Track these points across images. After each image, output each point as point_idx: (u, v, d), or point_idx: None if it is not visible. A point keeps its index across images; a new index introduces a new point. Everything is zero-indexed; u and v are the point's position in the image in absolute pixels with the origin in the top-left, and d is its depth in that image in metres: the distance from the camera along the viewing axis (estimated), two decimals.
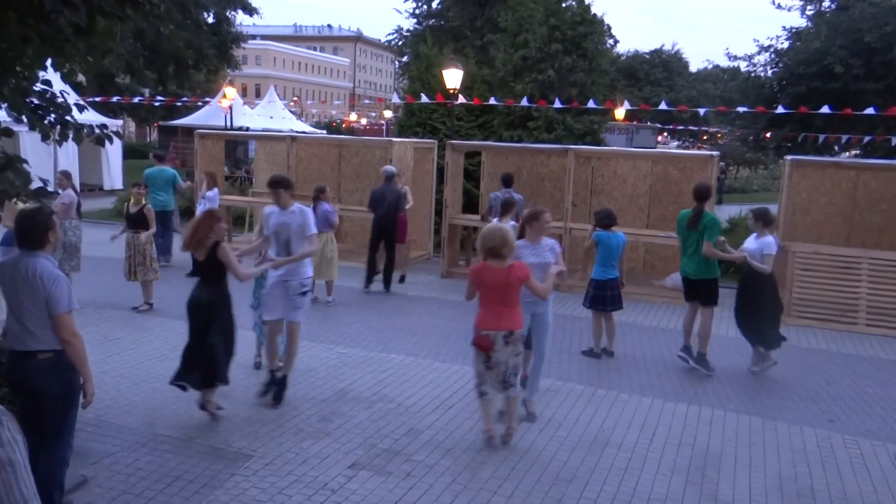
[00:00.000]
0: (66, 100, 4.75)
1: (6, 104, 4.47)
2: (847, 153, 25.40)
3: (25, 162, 4.67)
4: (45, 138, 4.65)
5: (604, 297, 7.85)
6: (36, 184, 4.63)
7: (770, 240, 7.47)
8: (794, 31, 21.65)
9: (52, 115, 4.64)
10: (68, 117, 4.71)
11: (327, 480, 4.87)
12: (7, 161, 4.47)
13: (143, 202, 9.11)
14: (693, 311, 7.76)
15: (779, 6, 21.73)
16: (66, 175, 9.74)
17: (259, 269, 6.22)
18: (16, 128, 5.31)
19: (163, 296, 9.43)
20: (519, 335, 5.38)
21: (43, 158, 16.85)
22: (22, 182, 4.49)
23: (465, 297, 5.61)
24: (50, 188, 5.08)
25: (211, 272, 5.75)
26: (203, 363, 5.64)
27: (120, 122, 25.64)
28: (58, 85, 4.91)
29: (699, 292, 7.63)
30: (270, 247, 6.30)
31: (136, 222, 9.00)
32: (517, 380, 5.50)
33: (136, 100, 28.54)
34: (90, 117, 19.61)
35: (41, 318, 3.93)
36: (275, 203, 6.23)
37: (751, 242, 7.53)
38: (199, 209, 11.15)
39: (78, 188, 10.87)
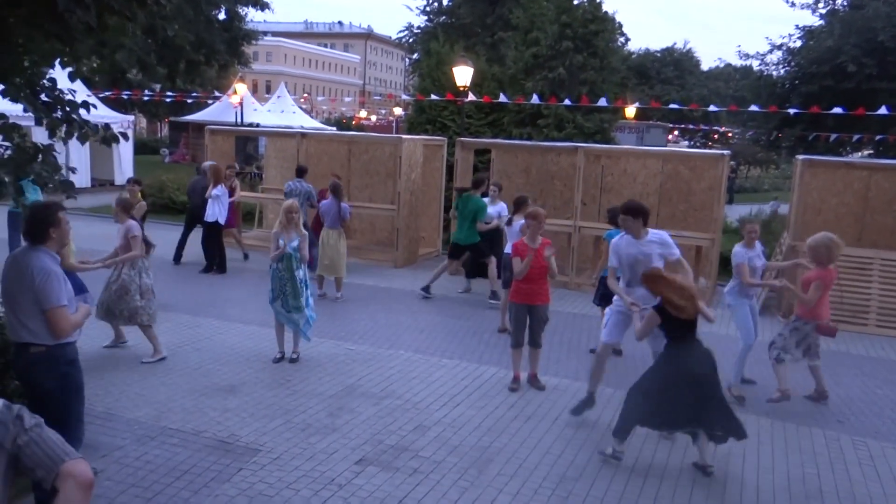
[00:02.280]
0: (73, 98, 4.76)
1: (18, 98, 4.49)
2: (859, 153, 25.23)
3: (55, 150, 4.71)
4: (52, 135, 4.66)
5: (612, 295, 7.81)
6: (59, 174, 4.67)
7: (503, 205, 10.28)
8: (806, 29, 21.52)
9: (60, 112, 4.66)
10: (75, 115, 4.72)
11: (334, 476, 4.88)
12: (35, 151, 4.51)
13: (139, 199, 9.00)
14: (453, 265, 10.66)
15: (792, 4, 21.58)
16: (123, 205, 7.37)
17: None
18: (26, 122, 5.34)
19: (172, 291, 9.48)
20: None
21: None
22: (50, 171, 4.53)
23: (811, 303, 6.43)
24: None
25: (695, 326, 5.18)
26: (723, 417, 5.09)
27: (131, 117, 25.73)
28: (64, 83, 4.92)
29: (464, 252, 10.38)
30: (623, 274, 5.92)
31: None
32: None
33: (146, 95, 28.66)
34: (101, 113, 19.53)
35: (31, 312, 3.93)
36: (625, 231, 5.83)
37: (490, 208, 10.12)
38: (210, 209, 11.11)
39: (88, 185, 10.50)
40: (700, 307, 5.08)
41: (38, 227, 3.98)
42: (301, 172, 11.71)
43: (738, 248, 6.91)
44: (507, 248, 8.83)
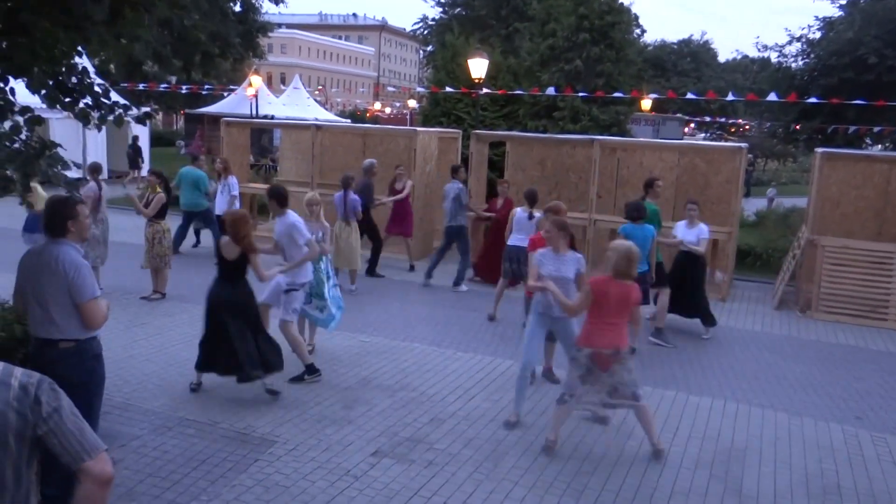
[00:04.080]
0: (103, 84, 4.78)
1: (40, 91, 4.50)
2: (879, 146, 24.92)
3: (59, 146, 4.71)
4: (86, 123, 4.66)
5: None
6: (68, 169, 4.67)
7: (705, 227, 8.55)
8: (826, 20, 21.25)
9: (88, 99, 4.66)
10: (104, 99, 4.73)
11: (350, 467, 4.90)
12: (41, 147, 4.51)
13: (158, 191, 9.05)
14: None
15: None
16: (91, 168, 9.49)
17: (273, 271, 6.30)
18: (46, 114, 5.36)
19: (188, 282, 9.53)
20: (625, 353, 5.17)
21: (73, 145, 17.07)
22: (56, 168, 4.53)
23: (575, 310, 5.32)
24: (80, 174, 5.12)
25: (235, 270, 5.95)
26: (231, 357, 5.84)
27: (147, 109, 25.83)
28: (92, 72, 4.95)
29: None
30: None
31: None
32: (639, 390, 5.30)
33: (162, 87, 28.79)
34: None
35: (64, 307, 3.88)
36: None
37: (684, 231, 8.48)
38: (218, 203, 11.14)
39: (105, 177, 10.74)
40: (253, 259, 5.87)
41: (57, 220, 3.94)
42: (455, 171, 10.88)
43: (539, 250, 5.86)
44: (511, 241, 8.79)
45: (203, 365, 6.01)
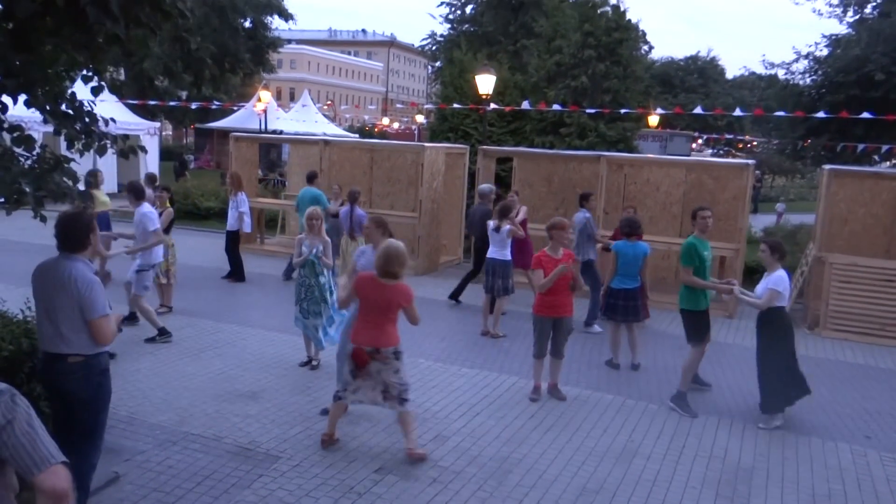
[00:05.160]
0: (92, 109, 4.77)
1: (40, 109, 4.51)
2: (887, 163, 24.86)
3: (74, 160, 4.72)
4: (70, 146, 4.66)
5: (615, 306, 7.77)
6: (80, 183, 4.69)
7: (780, 275, 6.30)
8: (833, 38, 21.26)
9: (79, 124, 4.66)
10: (94, 127, 4.73)
11: (354, 484, 4.88)
12: (55, 162, 4.52)
13: (167, 206, 9.10)
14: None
15: (819, 13, 21.35)
16: (147, 178, 10.45)
17: (116, 252, 8.01)
18: (47, 130, 5.34)
19: (195, 297, 9.55)
20: (387, 353, 5.24)
21: (85, 159, 17.20)
22: (70, 182, 4.54)
23: (341, 303, 5.82)
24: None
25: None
26: None
27: (157, 124, 26.03)
28: (87, 95, 4.93)
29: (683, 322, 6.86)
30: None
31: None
32: (407, 395, 5.33)
33: (172, 103, 29.07)
34: (128, 119, 19.71)
35: (74, 322, 3.91)
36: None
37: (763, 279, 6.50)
38: (232, 215, 11.19)
39: (115, 191, 10.91)
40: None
41: (80, 234, 3.98)
42: (585, 199, 9.61)
43: (360, 248, 6.28)
44: (492, 253, 8.94)
45: None
